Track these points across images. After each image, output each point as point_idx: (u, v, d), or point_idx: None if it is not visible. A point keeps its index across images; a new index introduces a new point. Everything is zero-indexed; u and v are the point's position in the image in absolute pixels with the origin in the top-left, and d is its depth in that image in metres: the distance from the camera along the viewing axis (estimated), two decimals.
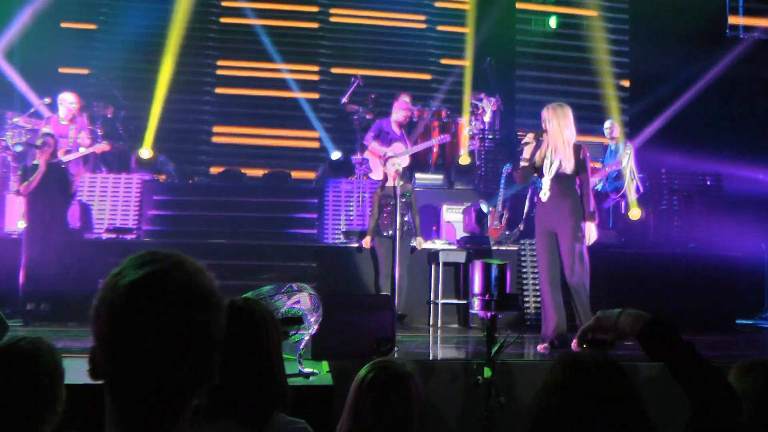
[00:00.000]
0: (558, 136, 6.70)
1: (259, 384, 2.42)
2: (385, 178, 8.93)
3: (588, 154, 6.93)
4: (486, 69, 12.08)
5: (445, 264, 9.00)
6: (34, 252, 8.21)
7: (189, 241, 9.52)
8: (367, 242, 8.78)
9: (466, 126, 11.30)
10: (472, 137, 11.32)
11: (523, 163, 6.89)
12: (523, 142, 7.08)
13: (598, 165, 10.78)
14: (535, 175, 6.94)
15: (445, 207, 10.06)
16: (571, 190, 6.77)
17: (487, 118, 11.59)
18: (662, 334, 1.85)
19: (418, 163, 10.87)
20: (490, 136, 11.58)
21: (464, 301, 8.87)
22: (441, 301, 8.89)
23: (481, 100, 11.61)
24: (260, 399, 2.41)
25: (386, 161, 8.99)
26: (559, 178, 6.74)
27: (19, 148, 10.08)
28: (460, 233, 9.83)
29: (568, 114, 6.78)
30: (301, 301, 4.98)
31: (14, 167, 10.15)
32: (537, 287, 7.98)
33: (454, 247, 9.43)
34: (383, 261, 8.67)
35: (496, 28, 13.20)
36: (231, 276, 8.46)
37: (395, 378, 2.55)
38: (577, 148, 6.78)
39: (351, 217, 10.16)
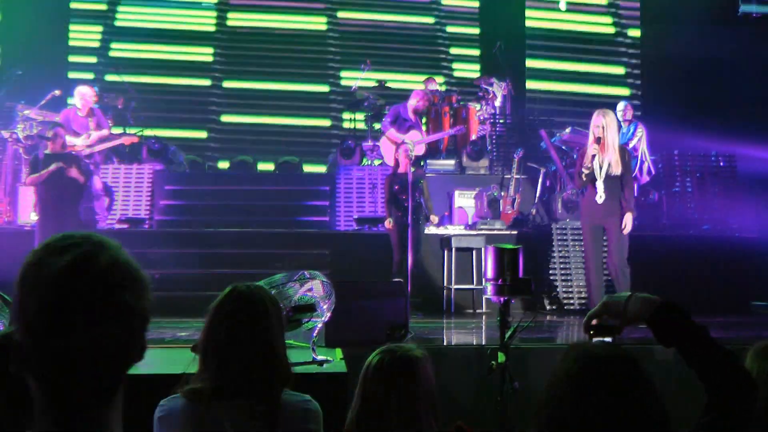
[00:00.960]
0: (612, 141, 7.35)
1: (263, 365, 2.45)
2: (397, 164, 8.90)
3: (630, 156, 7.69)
4: (496, 53, 12.01)
5: (458, 249, 8.98)
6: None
7: (201, 230, 9.54)
8: (389, 223, 8.74)
9: (476, 111, 11.27)
10: (483, 122, 11.28)
11: (585, 171, 7.46)
12: (589, 152, 7.50)
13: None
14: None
15: (457, 192, 10.04)
16: (618, 189, 7.44)
17: (497, 103, 11.54)
18: (673, 318, 1.81)
19: (430, 148, 10.84)
20: (501, 121, 11.53)
21: (478, 286, 8.84)
22: (454, 286, 8.87)
23: (491, 84, 11.56)
24: (265, 379, 2.45)
25: (398, 148, 8.97)
26: (610, 179, 7.35)
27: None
28: (473, 218, 9.80)
29: (615, 119, 7.60)
30: (314, 288, 4.98)
31: (26, 159, 10.20)
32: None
33: (466, 232, 9.40)
34: (396, 247, 8.67)
35: (505, 11, 13.12)
36: (243, 264, 8.49)
37: (402, 362, 2.56)
38: (623, 150, 7.52)
39: (363, 204, 10.15)
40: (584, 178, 7.50)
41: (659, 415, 1.61)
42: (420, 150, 9.80)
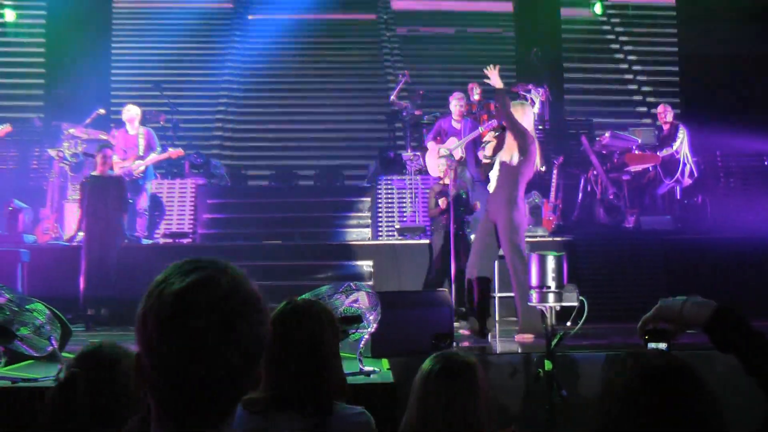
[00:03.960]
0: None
1: (318, 377, 2.49)
2: (445, 174, 8.92)
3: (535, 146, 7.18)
4: (533, 59, 11.96)
5: (501, 257, 8.91)
6: (93, 258, 8.40)
7: (244, 242, 9.62)
8: (443, 202, 8.62)
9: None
10: None
11: (486, 160, 7.29)
12: (485, 140, 7.42)
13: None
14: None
15: None
16: (513, 180, 7.08)
17: (536, 109, 11.48)
18: (731, 324, 1.75)
19: (475, 156, 10.81)
20: (540, 127, 11.47)
21: None
22: (498, 294, 8.82)
23: (529, 91, 11.49)
24: (321, 391, 2.48)
25: (440, 157, 9.01)
26: (506, 168, 7.08)
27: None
28: None
29: (527, 111, 7.25)
30: (359, 299, 5.02)
31: (72, 177, 10.41)
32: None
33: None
34: (438, 256, 8.68)
35: (541, 17, 13.07)
36: (287, 277, 8.55)
37: (462, 368, 2.58)
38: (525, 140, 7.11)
39: (405, 214, 10.16)
40: (482, 168, 7.40)
41: (720, 428, 1.57)
42: (457, 153, 9.78)
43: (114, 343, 2.50)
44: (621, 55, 13.52)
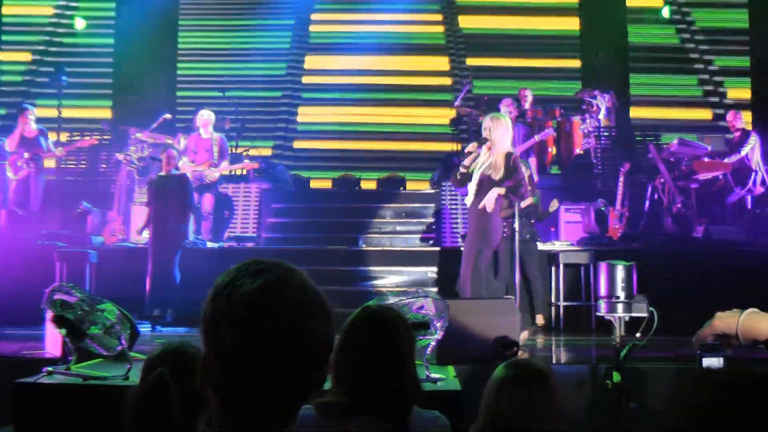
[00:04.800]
0: (497, 145, 7.03)
1: (394, 383, 2.47)
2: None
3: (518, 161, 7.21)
4: (598, 64, 11.77)
5: (566, 265, 8.80)
6: (158, 260, 8.53)
7: (307, 247, 9.66)
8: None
9: (580, 124, 11.08)
10: (587, 135, 11.07)
11: (462, 170, 7.22)
12: (467, 150, 7.34)
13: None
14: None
15: (563, 207, 9.86)
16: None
17: (601, 116, 11.31)
18: None
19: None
20: (606, 134, 11.29)
21: (587, 303, 8.63)
22: (563, 303, 8.69)
23: (594, 97, 11.34)
24: (396, 396, 2.46)
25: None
26: (486, 182, 7.03)
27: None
28: (580, 234, 9.60)
29: (505, 124, 7.17)
30: (426, 306, 4.98)
31: (138, 180, 10.61)
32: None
33: (574, 247, 9.22)
34: (503, 263, 8.59)
35: (606, 21, 12.88)
36: (350, 282, 8.55)
37: (538, 377, 2.56)
38: (508, 156, 7.08)
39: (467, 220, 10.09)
40: (459, 177, 7.27)
41: None
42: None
43: (191, 342, 2.51)
44: (690, 60, 13.19)
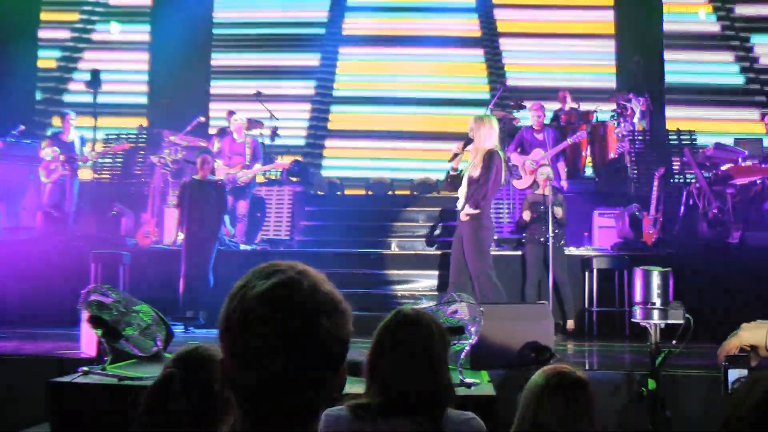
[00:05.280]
0: (478, 145, 7.10)
1: (428, 385, 2.49)
2: (535, 185, 8.80)
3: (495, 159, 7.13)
4: (634, 68, 11.65)
5: (599, 271, 8.71)
6: (192, 262, 8.58)
7: (340, 250, 9.66)
8: (527, 215, 8.67)
9: (614, 128, 10.98)
10: (621, 139, 10.97)
11: (453, 173, 7.28)
12: (452, 153, 7.34)
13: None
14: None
15: (596, 212, 9.77)
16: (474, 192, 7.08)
17: (636, 119, 11.20)
18: None
19: (568, 169, 10.62)
20: (640, 138, 11.18)
21: (620, 309, 8.53)
22: (596, 308, 8.60)
23: (629, 100, 11.23)
24: (430, 398, 2.48)
25: (535, 170, 8.89)
26: (470, 183, 7.12)
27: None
28: (614, 239, 9.50)
29: (490, 125, 7.18)
30: (460, 311, 4.95)
31: (172, 183, 10.69)
32: None
33: (607, 253, 9.13)
34: (532, 268, 8.55)
35: (643, 24, 12.75)
36: (383, 285, 8.54)
37: (577, 384, 2.55)
38: (489, 155, 7.10)
39: (501, 224, 10.04)
40: (450, 180, 7.34)
41: None
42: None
43: (210, 346, 2.52)
44: (726, 63, 13.02)
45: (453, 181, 7.30)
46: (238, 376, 1.31)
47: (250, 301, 1.30)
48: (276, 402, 1.30)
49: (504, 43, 13.75)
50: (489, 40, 13.74)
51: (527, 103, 10.64)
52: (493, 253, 9.40)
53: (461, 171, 7.17)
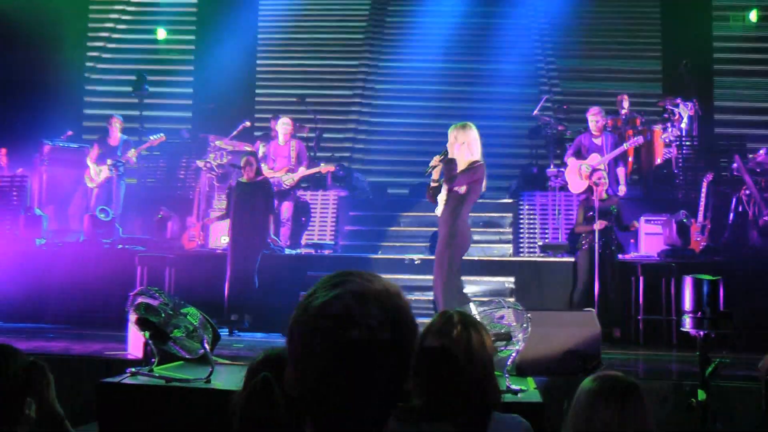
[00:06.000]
0: (458, 155, 6.98)
1: (475, 387, 2.46)
2: (591, 191, 8.69)
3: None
4: (682, 71, 11.46)
5: (646, 278, 8.57)
6: (237, 266, 8.62)
7: (384, 255, 9.65)
8: (600, 224, 8.34)
9: (661, 133, 10.82)
10: (668, 144, 10.80)
11: (434, 184, 7.18)
12: (431, 165, 7.22)
13: None
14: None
15: (643, 219, 9.63)
16: (451, 202, 7.00)
17: (684, 124, 11.03)
18: None
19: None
20: (688, 143, 10.99)
21: (668, 317, 8.39)
22: (642, 316, 8.47)
23: (677, 105, 11.06)
24: (477, 401, 2.46)
25: (591, 174, 8.78)
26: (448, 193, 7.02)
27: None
28: (660, 246, 9.35)
29: (470, 133, 7.04)
30: (506, 317, 4.91)
31: (218, 187, 10.79)
32: None
33: (654, 260, 8.99)
34: (583, 275, 8.45)
35: (690, 26, 12.55)
36: (427, 290, 8.49)
37: (631, 391, 2.49)
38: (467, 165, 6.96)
39: (547, 231, 9.95)
40: (431, 191, 7.23)
41: None
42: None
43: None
44: None
45: (434, 192, 7.25)
46: (301, 385, 1.30)
47: (311, 313, 1.30)
48: (338, 411, 1.29)
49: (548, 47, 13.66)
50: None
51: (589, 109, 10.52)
52: (539, 259, 9.36)
53: (441, 181, 7.13)
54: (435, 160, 7.16)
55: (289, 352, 1.32)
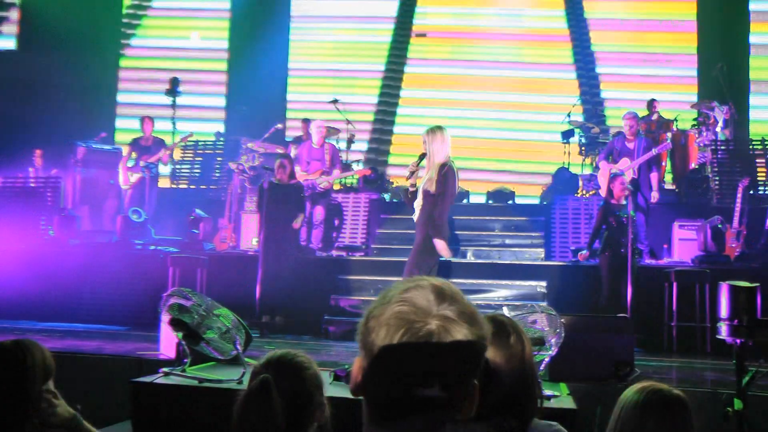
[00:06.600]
0: (433, 159, 7.08)
1: (520, 389, 2.41)
2: (611, 195, 8.63)
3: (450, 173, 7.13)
4: (717, 75, 11.31)
5: (679, 284, 8.45)
6: (269, 268, 8.63)
7: None
8: (582, 256, 8.72)
9: (696, 137, 10.70)
10: (703, 149, 10.67)
11: (411, 188, 7.30)
12: (408, 169, 7.32)
13: None
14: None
15: (677, 224, 9.51)
16: (432, 207, 7.15)
17: (719, 128, 10.89)
18: None
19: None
20: (723, 147, 10.85)
21: (702, 324, 8.27)
22: (676, 323, 8.35)
23: (712, 108, 10.93)
24: (521, 403, 2.40)
25: (612, 178, 8.72)
26: (427, 197, 7.13)
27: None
28: (695, 251, 9.22)
29: (442, 137, 7.13)
30: (538, 321, 4.86)
31: (249, 189, 10.84)
32: None
33: (688, 266, 8.87)
34: (608, 280, 8.37)
35: (726, 29, 12.39)
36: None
37: (677, 402, 2.43)
38: (441, 168, 7.08)
39: (579, 235, 9.87)
40: (409, 196, 7.28)
41: None
42: (629, 175, 9.43)
43: (297, 352, 2.53)
44: None
45: (411, 196, 7.32)
46: (371, 390, 1.31)
47: (384, 311, 1.29)
48: (410, 414, 1.28)
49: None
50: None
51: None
52: (573, 264, 9.28)
53: (418, 185, 7.19)
54: (412, 166, 7.27)
55: (368, 355, 1.30)
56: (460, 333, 1.26)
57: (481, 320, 1.32)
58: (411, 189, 7.33)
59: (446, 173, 7.08)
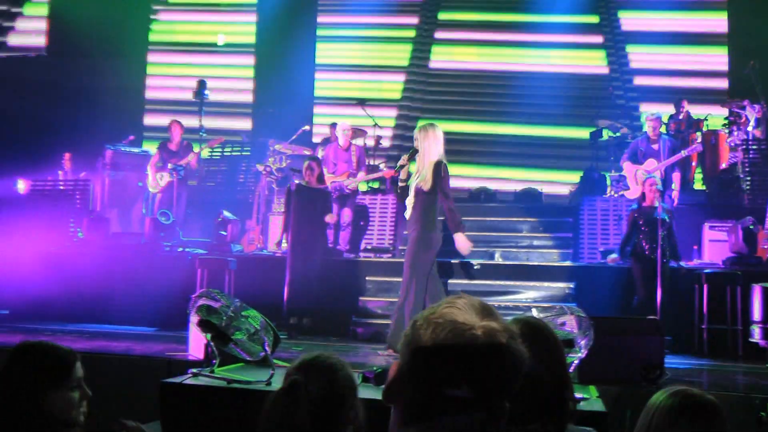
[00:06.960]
0: (425, 156, 7.07)
1: (553, 395, 2.37)
2: (643, 197, 8.54)
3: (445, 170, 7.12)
4: (749, 73, 11.14)
5: (710, 286, 8.32)
6: (296, 269, 8.65)
7: (443, 259, 9.57)
8: (612, 259, 8.64)
9: (726, 137, 10.56)
10: (734, 148, 10.53)
11: (401, 184, 7.26)
12: (399, 164, 7.27)
13: None
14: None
15: (707, 225, 9.39)
16: (425, 205, 7.14)
17: (750, 127, 10.74)
18: None
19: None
20: (755, 147, 10.70)
21: (733, 327, 8.14)
22: (707, 326, 8.23)
23: (743, 107, 10.78)
24: (555, 410, 2.36)
25: (644, 181, 8.62)
26: (420, 194, 7.09)
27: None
28: (726, 253, 9.09)
29: (435, 134, 7.12)
30: (567, 323, 4.82)
31: (277, 191, 10.88)
32: None
33: (719, 268, 8.75)
34: (640, 283, 8.28)
35: (759, 26, 12.21)
36: (486, 296, 8.41)
37: (711, 408, 2.38)
38: (437, 166, 7.05)
39: (608, 236, 9.79)
40: (399, 192, 7.27)
41: None
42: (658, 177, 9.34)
43: (330, 354, 2.52)
44: None
45: (402, 192, 7.30)
46: (407, 387, 1.32)
47: (427, 320, 1.32)
48: (437, 416, 1.29)
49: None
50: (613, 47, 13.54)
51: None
52: (601, 265, 9.21)
53: (409, 182, 7.15)
54: (403, 159, 7.26)
55: (406, 363, 1.33)
56: (503, 341, 1.27)
57: (521, 341, 1.35)
58: (401, 184, 7.33)
59: (440, 170, 7.08)
